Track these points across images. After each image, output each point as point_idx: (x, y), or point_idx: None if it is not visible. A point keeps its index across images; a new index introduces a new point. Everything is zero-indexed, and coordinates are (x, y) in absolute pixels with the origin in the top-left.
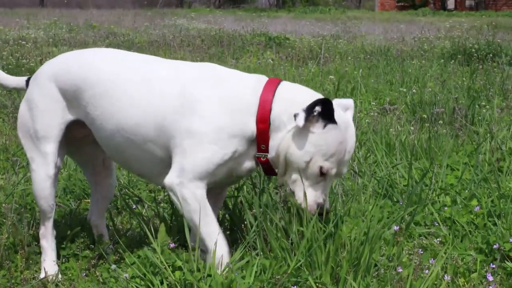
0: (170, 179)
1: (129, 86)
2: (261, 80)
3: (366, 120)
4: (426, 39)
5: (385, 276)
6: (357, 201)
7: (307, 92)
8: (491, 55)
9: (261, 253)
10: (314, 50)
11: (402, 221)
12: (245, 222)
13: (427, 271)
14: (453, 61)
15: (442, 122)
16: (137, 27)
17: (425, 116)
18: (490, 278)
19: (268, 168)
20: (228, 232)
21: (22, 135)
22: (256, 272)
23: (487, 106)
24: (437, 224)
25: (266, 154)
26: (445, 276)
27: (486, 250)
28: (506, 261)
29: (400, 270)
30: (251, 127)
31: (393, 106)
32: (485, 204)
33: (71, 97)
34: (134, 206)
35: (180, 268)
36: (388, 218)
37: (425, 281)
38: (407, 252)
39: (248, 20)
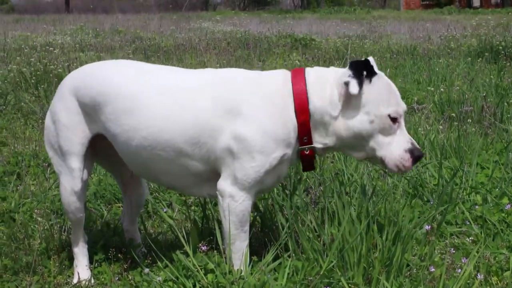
0: (223, 186)
1: (156, 101)
2: (286, 73)
3: None
4: (453, 37)
5: (418, 275)
6: (388, 201)
7: (330, 70)
8: None
9: (293, 254)
10: (340, 50)
11: (434, 220)
12: (276, 224)
13: (459, 270)
14: (480, 59)
15: (470, 120)
16: (163, 31)
17: (453, 114)
18: None
19: (309, 162)
20: (260, 234)
21: (49, 148)
22: (288, 273)
23: None
24: (468, 223)
25: (311, 145)
26: (478, 275)
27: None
28: None
29: (433, 269)
30: (293, 122)
31: (421, 106)
32: None
33: (91, 111)
34: (164, 210)
35: (212, 271)
36: (419, 217)
37: (458, 280)
38: (439, 251)
39: (273, 22)
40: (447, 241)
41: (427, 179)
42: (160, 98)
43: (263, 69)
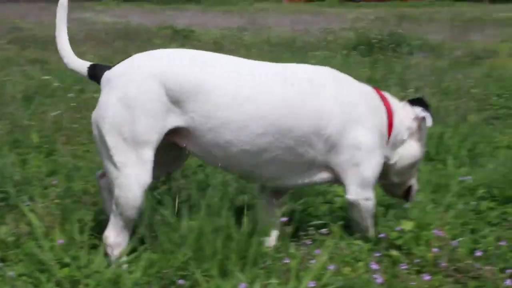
0: (355, 194)
1: (266, 92)
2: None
3: None
4: (331, 30)
5: (272, 267)
6: (248, 194)
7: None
8: (393, 45)
9: (150, 247)
10: (218, 42)
11: (292, 213)
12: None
13: (314, 260)
14: (355, 51)
15: None
16: (43, 22)
17: None
18: (374, 266)
19: None
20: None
21: (114, 135)
22: (144, 266)
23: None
24: (328, 215)
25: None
26: (330, 265)
27: (376, 239)
28: (391, 250)
29: (287, 261)
30: (385, 135)
31: None
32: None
33: (179, 99)
34: (27, 203)
35: (67, 265)
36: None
37: (311, 270)
38: (296, 243)
39: (155, 13)
40: (305, 233)
41: None
42: (273, 90)
43: None
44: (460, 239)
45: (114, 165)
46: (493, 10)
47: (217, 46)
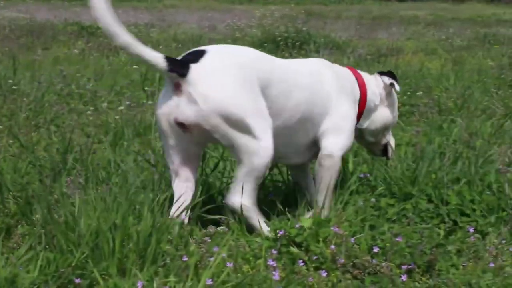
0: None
1: (304, 83)
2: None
3: None
4: (238, 27)
5: (171, 265)
6: (153, 192)
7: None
8: (299, 43)
9: (48, 247)
10: None
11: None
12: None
13: (212, 258)
14: (261, 49)
15: None
16: None
17: None
18: (272, 263)
19: None
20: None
21: (249, 115)
22: (41, 266)
23: None
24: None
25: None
26: (229, 263)
27: (274, 237)
28: (291, 247)
29: (186, 258)
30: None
31: None
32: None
33: (262, 88)
34: None
35: None
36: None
37: (208, 268)
38: (195, 241)
39: (62, 9)
40: (206, 230)
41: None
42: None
43: (46, 57)
44: (359, 235)
45: (254, 137)
46: (400, 8)
47: None
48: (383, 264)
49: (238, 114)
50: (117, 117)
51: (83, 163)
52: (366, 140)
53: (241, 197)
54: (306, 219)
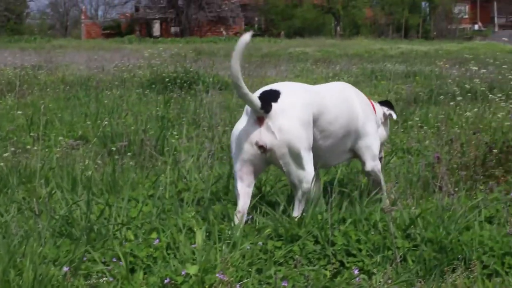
0: (370, 166)
1: (343, 106)
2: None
3: (56, 155)
4: (126, 68)
5: None
6: (32, 240)
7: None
8: (188, 82)
9: None
10: (12, 82)
11: (82, 259)
12: None
13: None
14: (148, 90)
15: (131, 154)
16: None
17: (114, 148)
18: None
19: None
20: None
21: (304, 150)
22: None
23: (177, 136)
24: (115, 260)
25: None
26: None
27: (160, 285)
28: None
29: None
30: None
31: (76, 142)
32: (165, 236)
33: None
34: None
35: None
36: (65, 257)
37: None
38: None
39: None
40: (90, 281)
41: (78, 217)
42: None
43: None
44: (246, 280)
45: (303, 169)
46: (289, 45)
47: (12, 85)
48: None
49: (297, 147)
50: (1, 164)
51: None
52: None
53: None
54: (192, 266)
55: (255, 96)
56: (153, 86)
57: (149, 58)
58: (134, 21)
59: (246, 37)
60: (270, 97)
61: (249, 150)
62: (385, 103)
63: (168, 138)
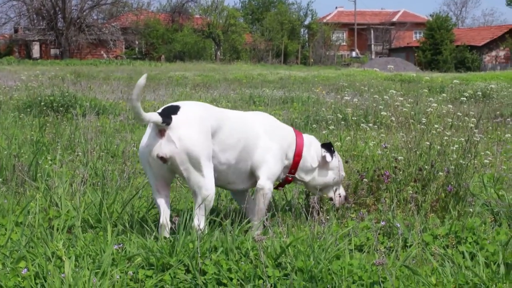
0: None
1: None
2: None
3: None
4: (2, 90)
5: None
6: None
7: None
8: (65, 106)
9: None
10: None
11: None
12: None
13: None
14: (23, 114)
15: (3, 179)
16: None
17: None
18: None
19: (285, 183)
20: None
21: (203, 158)
22: None
23: (51, 161)
24: None
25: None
26: None
27: None
28: None
29: None
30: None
31: None
32: (33, 266)
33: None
34: None
35: None
36: None
37: None
38: None
39: None
40: None
41: None
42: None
43: None
44: None
45: (203, 175)
46: (170, 69)
47: None
48: None
49: (197, 154)
50: None
51: None
52: (317, 190)
53: (201, 221)
54: None
55: (155, 114)
56: (29, 109)
57: (26, 80)
58: (13, 42)
59: (142, 81)
60: (171, 111)
61: (153, 163)
62: (325, 145)
63: (42, 163)
